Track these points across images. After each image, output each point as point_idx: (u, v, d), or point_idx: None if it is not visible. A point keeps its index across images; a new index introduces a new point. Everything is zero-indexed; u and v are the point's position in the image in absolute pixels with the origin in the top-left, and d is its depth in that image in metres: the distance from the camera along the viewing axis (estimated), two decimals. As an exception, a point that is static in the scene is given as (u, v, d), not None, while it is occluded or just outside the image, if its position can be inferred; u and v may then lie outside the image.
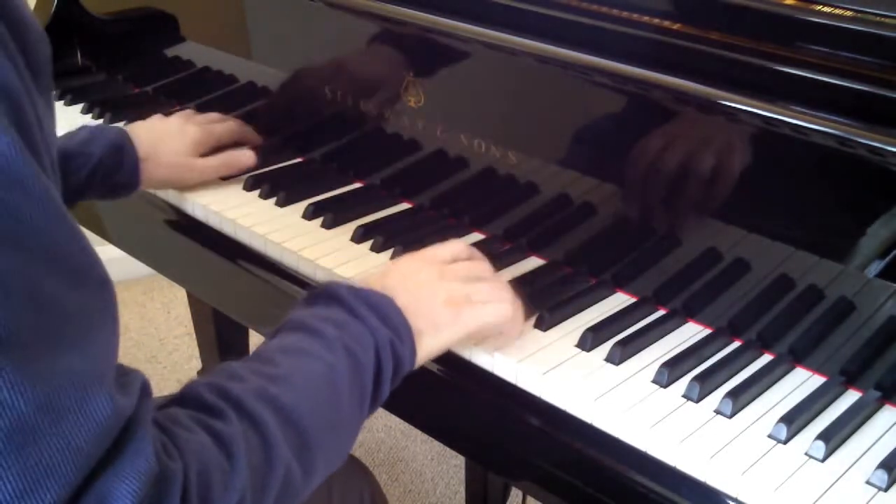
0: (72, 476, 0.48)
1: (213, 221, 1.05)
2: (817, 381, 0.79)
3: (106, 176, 1.02)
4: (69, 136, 1.02)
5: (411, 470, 1.86)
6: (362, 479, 0.97)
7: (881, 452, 0.71)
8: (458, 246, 0.84)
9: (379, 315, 0.72)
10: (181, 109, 1.32)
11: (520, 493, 1.58)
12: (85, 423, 0.49)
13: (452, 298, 0.77)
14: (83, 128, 1.04)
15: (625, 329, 0.84)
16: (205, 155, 1.11)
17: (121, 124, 1.26)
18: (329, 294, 0.73)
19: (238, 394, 0.62)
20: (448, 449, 1.82)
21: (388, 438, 1.92)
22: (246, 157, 1.12)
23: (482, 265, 0.84)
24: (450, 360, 0.82)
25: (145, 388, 0.55)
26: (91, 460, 0.49)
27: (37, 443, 0.47)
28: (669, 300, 0.88)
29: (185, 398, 0.63)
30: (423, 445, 1.91)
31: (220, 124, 1.16)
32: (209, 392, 0.63)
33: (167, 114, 1.16)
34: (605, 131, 0.89)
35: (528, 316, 0.84)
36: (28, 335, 0.47)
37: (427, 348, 0.76)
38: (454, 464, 1.86)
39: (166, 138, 1.08)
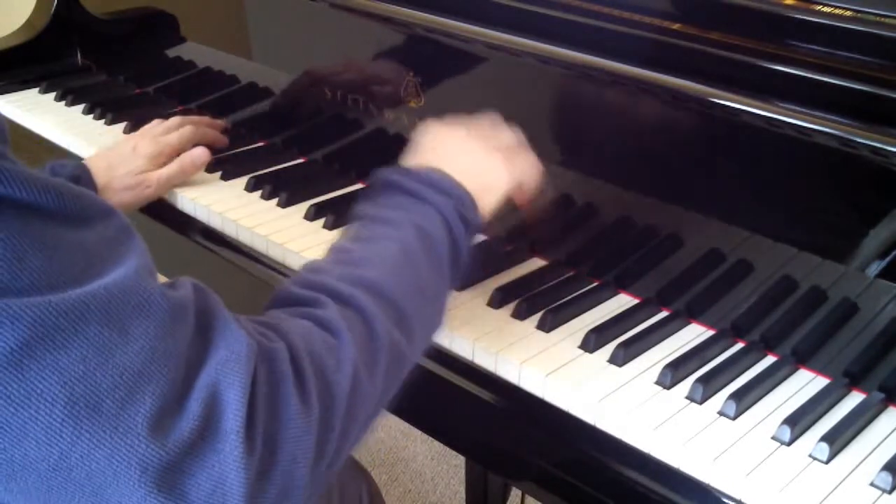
0: (161, 376, 0.50)
1: (216, 222, 1.05)
2: (821, 382, 0.79)
3: None
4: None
5: (411, 470, 1.86)
6: (361, 481, 0.97)
7: (885, 454, 0.71)
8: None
9: (438, 190, 0.76)
10: (184, 110, 1.33)
11: (520, 493, 1.57)
12: (150, 323, 0.50)
13: (488, 147, 0.82)
14: (47, 165, 1.02)
15: (628, 330, 0.84)
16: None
17: (121, 125, 1.26)
18: (386, 183, 0.77)
19: (326, 281, 0.66)
20: (448, 449, 1.81)
21: (388, 438, 1.92)
22: (197, 155, 1.10)
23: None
24: (452, 362, 0.82)
25: (198, 285, 0.57)
26: (173, 356, 0.51)
27: (114, 356, 0.48)
28: (672, 301, 0.87)
29: (277, 300, 0.67)
30: (423, 445, 1.91)
31: (174, 134, 1.12)
32: (299, 287, 0.66)
33: (133, 126, 1.17)
34: (605, 132, 0.89)
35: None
36: (66, 274, 0.49)
37: (489, 205, 0.80)
38: (454, 464, 1.86)
39: (119, 163, 1.06)
